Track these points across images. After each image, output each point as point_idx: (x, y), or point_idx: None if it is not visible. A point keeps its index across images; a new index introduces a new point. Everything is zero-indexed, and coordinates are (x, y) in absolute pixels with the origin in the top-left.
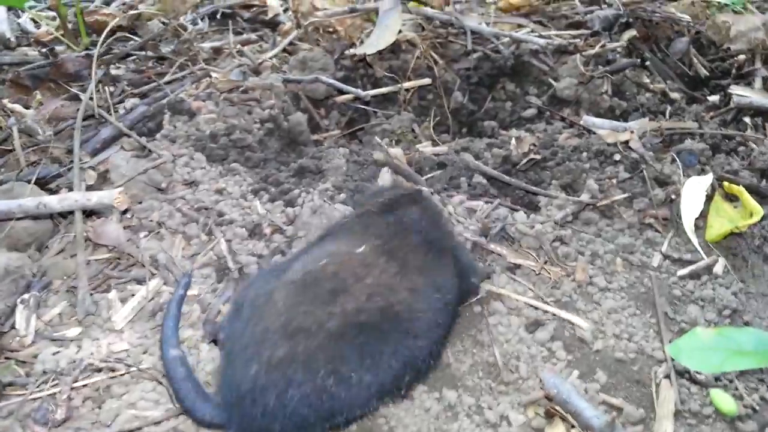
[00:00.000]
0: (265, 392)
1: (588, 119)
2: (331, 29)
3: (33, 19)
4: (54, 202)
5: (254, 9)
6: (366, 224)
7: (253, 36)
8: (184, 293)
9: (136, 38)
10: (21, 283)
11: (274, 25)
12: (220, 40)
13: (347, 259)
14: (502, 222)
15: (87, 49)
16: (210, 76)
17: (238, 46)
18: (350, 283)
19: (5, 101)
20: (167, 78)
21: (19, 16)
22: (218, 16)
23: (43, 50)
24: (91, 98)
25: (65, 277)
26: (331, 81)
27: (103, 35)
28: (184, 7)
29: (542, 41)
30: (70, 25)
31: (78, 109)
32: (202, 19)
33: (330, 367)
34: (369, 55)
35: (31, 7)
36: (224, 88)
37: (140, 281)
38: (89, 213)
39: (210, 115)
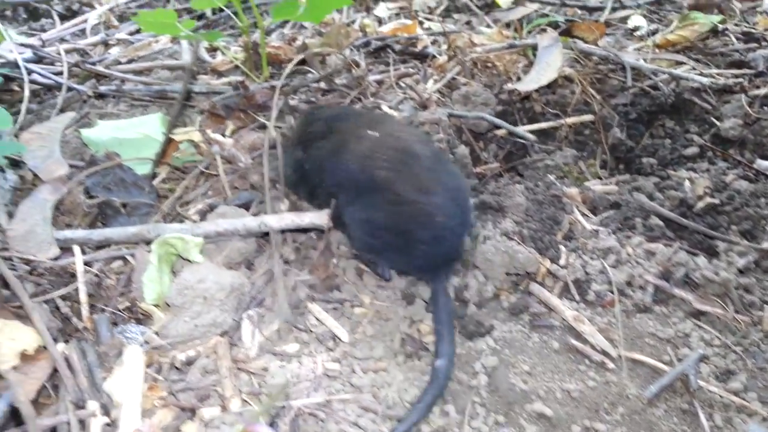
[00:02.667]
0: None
1: (762, 163)
2: (489, 64)
3: (207, 48)
4: (273, 221)
5: (404, 41)
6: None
7: (410, 69)
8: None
9: (308, 69)
10: (243, 299)
11: (423, 56)
12: (381, 73)
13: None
14: (685, 266)
15: (267, 80)
16: (380, 108)
17: (406, 79)
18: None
19: (208, 131)
20: None
21: (192, 44)
22: (371, 48)
23: (234, 81)
24: (277, 127)
25: (276, 295)
26: (498, 121)
27: (288, 68)
28: (347, 42)
29: (705, 80)
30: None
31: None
32: (358, 52)
33: None
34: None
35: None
36: None
37: (341, 302)
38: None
39: None
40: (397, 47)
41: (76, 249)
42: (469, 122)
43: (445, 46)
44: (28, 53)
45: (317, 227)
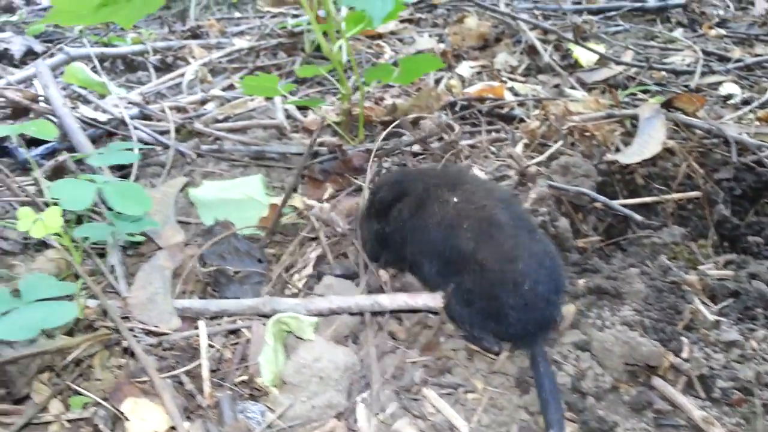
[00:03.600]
0: None
1: None
2: (587, 133)
3: (298, 106)
4: (386, 301)
5: (488, 102)
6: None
7: (502, 135)
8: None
9: (400, 131)
10: (355, 379)
11: (509, 118)
12: (470, 135)
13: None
14: None
15: (361, 143)
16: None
17: (499, 143)
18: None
19: (305, 197)
20: None
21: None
22: (457, 109)
23: (330, 143)
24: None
25: (385, 376)
26: (603, 198)
27: (384, 133)
28: (438, 104)
29: None
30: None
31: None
32: (446, 113)
33: None
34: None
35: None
36: None
37: (455, 386)
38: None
39: None
40: (482, 108)
41: (201, 324)
42: (570, 194)
43: (534, 110)
44: (134, 110)
45: (431, 310)
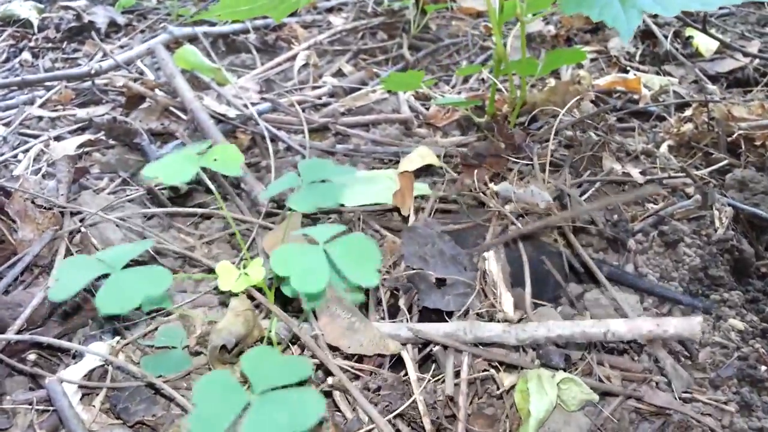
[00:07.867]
0: None
1: None
2: (757, 143)
3: (415, 96)
4: (622, 328)
5: (619, 95)
6: None
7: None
8: None
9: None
10: None
11: (645, 115)
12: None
13: None
14: None
15: (515, 126)
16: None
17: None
18: None
19: (464, 177)
20: None
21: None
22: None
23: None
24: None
25: None
26: None
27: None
28: (575, 98)
29: None
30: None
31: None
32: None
33: None
34: None
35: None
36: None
37: None
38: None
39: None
40: (616, 103)
41: (408, 362)
42: (746, 213)
43: (678, 107)
44: (264, 105)
45: (683, 338)
